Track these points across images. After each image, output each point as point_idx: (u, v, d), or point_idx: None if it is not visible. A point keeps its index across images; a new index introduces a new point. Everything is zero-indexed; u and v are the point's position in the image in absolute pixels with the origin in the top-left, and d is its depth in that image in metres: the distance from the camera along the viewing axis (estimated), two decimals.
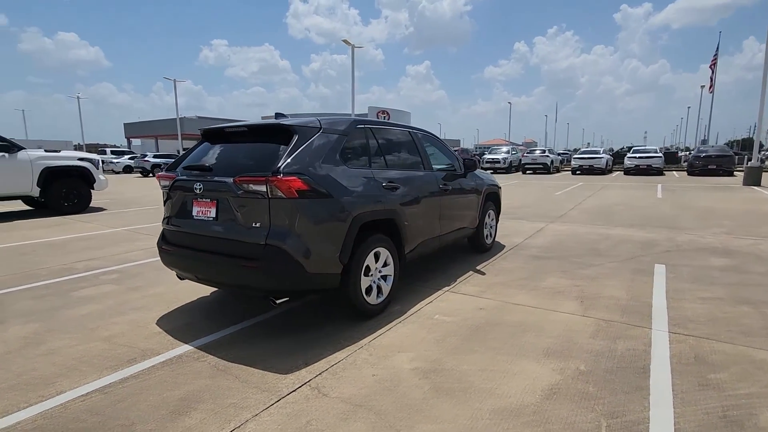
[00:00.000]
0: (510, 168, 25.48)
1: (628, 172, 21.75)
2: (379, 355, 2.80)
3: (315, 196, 2.90)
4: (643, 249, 5.58)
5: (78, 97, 48.89)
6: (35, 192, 9.04)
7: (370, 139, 3.69)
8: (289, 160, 2.88)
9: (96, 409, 2.23)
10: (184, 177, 3.27)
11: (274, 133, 3.13)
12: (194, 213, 3.17)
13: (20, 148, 9.06)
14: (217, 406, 2.24)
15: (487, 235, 5.57)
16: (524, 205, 10.34)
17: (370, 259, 3.33)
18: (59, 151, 10.36)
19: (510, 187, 15.68)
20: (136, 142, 72.55)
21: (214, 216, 3.05)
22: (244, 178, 2.83)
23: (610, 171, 24.74)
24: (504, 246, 5.90)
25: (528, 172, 25.22)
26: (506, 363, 2.67)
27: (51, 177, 9.25)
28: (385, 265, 3.54)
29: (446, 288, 4.13)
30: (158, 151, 47.06)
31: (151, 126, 63.02)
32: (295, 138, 3.03)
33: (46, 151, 9.72)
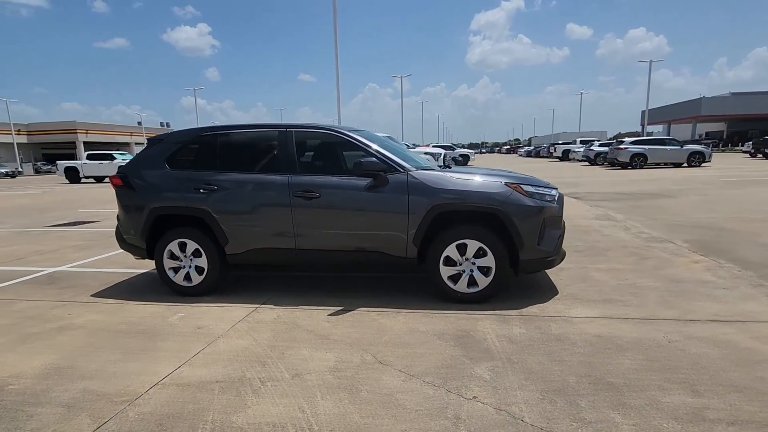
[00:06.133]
0: None
1: None
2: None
3: (125, 189, 4.11)
4: None
5: (581, 94, 53.68)
6: None
7: (213, 146, 4.03)
8: (127, 163, 4.26)
9: None
10: None
11: None
12: None
13: None
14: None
15: (452, 277, 3.54)
16: None
17: (173, 246, 3.99)
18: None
19: None
20: (655, 128, 70.49)
21: None
22: None
23: None
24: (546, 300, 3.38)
25: None
26: None
27: None
28: (198, 256, 3.98)
29: (253, 306, 3.69)
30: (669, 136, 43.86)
31: (665, 111, 58.95)
32: (144, 146, 4.28)
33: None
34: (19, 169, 42.82)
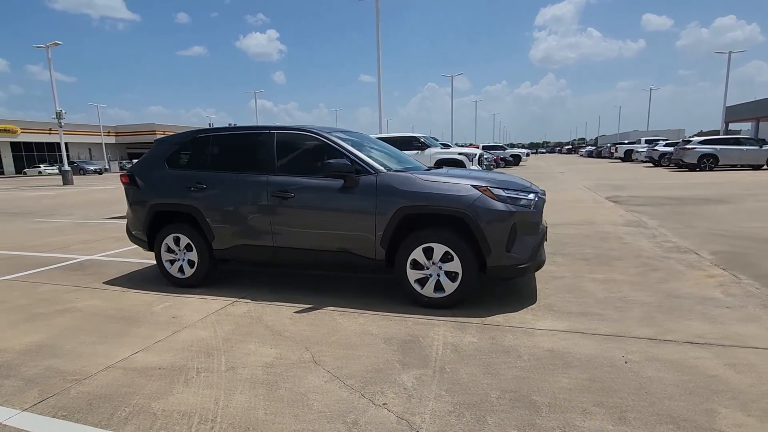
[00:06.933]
0: None
1: None
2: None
3: (132, 186, 4.47)
4: None
5: (650, 90, 49.56)
6: None
7: (205, 147, 4.29)
8: (134, 163, 4.62)
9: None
10: None
11: None
12: None
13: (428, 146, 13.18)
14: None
15: (420, 281, 3.48)
16: None
17: (169, 240, 4.29)
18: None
19: None
20: (742, 126, 63.67)
21: None
22: None
23: None
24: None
25: None
26: None
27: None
28: (190, 250, 4.24)
29: (231, 300, 3.86)
30: (757, 136, 39.47)
31: (753, 107, 52.74)
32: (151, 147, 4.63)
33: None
34: (106, 167, 47.66)
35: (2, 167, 46.36)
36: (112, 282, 4.62)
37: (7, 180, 35.92)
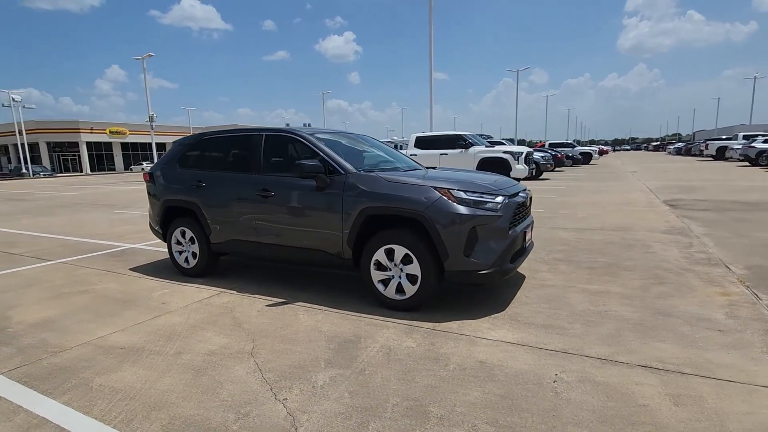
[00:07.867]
0: None
1: None
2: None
3: (151, 184, 4.96)
4: None
5: (755, 78, 43.14)
6: None
7: (208, 148, 4.63)
8: (155, 163, 5.11)
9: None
10: None
11: None
12: None
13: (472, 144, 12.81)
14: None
15: (384, 282, 3.48)
16: None
17: (177, 233, 4.71)
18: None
19: None
20: None
21: None
22: None
23: None
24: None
25: None
26: None
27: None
28: (193, 243, 4.61)
29: (220, 291, 4.12)
30: None
31: None
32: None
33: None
34: None
35: (114, 164, 53.31)
36: (136, 268, 5.16)
37: (115, 175, 41.01)
